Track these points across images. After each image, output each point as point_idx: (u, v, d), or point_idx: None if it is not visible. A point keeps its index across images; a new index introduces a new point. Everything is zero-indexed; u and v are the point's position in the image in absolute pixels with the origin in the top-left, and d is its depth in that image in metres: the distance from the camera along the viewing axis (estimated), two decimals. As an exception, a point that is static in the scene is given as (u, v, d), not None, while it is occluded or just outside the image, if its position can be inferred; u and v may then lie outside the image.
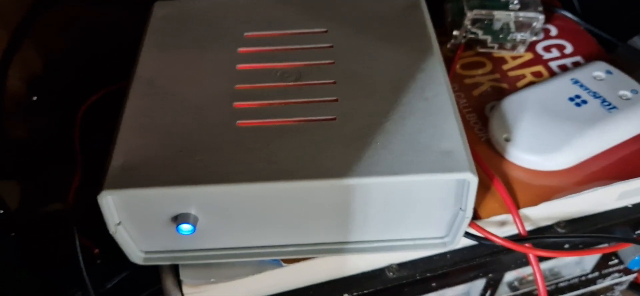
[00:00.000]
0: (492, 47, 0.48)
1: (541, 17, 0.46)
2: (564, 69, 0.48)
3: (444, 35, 0.50)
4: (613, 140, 0.42)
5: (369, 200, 0.34)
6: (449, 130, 0.34)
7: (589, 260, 0.49)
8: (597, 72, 0.45)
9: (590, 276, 0.51)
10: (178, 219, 0.34)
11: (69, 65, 0.59)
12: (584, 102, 0.43)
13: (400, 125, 0.34)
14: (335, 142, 0.34)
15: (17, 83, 0.58)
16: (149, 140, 0.34)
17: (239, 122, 0.35)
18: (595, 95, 0.43)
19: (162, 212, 0.34)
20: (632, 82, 0.44)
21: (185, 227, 0.34)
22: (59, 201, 0.51)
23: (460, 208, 0.35)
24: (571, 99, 0.43)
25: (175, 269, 0.37)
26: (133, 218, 0.34)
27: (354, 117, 0.35)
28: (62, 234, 0.44)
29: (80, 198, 0.45)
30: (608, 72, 0.45)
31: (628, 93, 0.43)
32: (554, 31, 0.51)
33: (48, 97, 0.58)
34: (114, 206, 0.33)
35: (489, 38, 0.48)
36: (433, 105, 0.35)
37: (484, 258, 0.41)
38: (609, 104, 0.42)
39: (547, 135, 0.41)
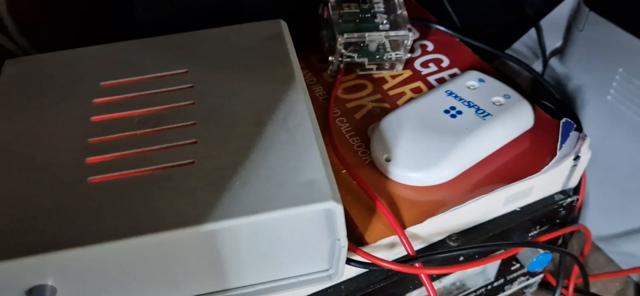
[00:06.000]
0: (371, 69, 0.48)
1: (410, 34, 0.46)
2: (442, 82, 0.48)
3: (325, 62, 0.49)
4: (491, 146, 0.42)
5: (238, 243, 0.32)
6: (311, 160, 0.32)
7: (491, 269, 0.49)
8: (470, 82, 0.45)
9: (495, 284, 0.50)
10: (33, 292, 0.31)
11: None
12: (459, 112, 0.43)
13: (262, 161, 0.33)
14: (193, 187, 0.32)
15: None
16: (-8, 210, 0.32)
17: (90, 178, 0.33)
18: (470, 105, 0.43)
19: (14, 286, 0.31)
20: (504, 87, 0.45)
21: (44, 300, 0.31)
22: None
23: (336, 238, 0.34)
24: (446, 111, 0.43)
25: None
26: (-19, 298, 0.31)
27: (214, 158, 0.33)
28: None
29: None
30: (481, 80, 0.45)
31: (501, 99, 0.44)
32: (430, 46, 0.51)
33: None
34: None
35: (365, 60, 0.48)
36: (295, 135, 0.34)
37: (379, 284, 0.40)
38: (483, 112, 0.43)
39: (426, 150, 0.41)
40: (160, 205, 0.31)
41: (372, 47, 0.47)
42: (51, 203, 0.32)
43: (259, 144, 0.34)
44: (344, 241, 0.33)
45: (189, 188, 0.32)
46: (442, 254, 0.40)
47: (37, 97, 0.38)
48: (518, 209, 0.44)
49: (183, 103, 0.37)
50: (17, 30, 0.53)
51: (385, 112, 0.46)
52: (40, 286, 0.31)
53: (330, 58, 0.47)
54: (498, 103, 0.43)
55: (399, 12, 0.47)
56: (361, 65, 0.48)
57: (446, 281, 0.47)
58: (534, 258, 0.45)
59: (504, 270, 0.49)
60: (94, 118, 0.36)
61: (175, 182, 0.32)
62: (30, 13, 0.52)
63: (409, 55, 0.48)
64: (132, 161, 0.34)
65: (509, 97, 0.44)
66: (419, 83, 0.48)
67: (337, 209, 0.31)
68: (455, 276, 0.48)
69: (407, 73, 0.49)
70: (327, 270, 0.36)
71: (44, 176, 0.33)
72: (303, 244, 0.34)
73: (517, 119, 0.43)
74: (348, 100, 0.47)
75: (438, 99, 0.44)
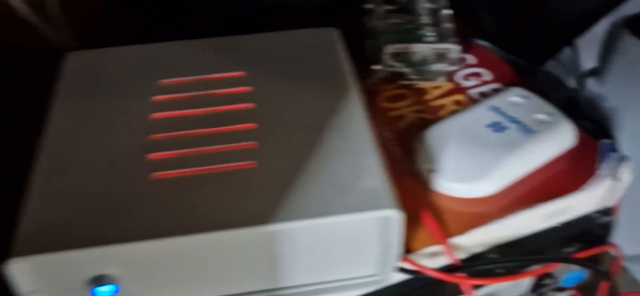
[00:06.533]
0: (414, 79, 0.49)
1: (456, 48, 0.47)
2: (483, 96, 0.49)
3: (367, 70, 0.50)
4: (534, 163, 0.43)
5: (295, 245, 0.33)
6: (370, 168, 0.33)
7: (524, 282, 0.50)
8: (514, 98, 0.46)
9: (527, 297, 0.51)
10: (96, 281, 0.32)
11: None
12: (504, 128, 0.44)
13: (322, 166, 0.34)
14: (256, 188, 0.33)
15: None
16: (60, 201, 0.33)
17: (154, 174, 0.34)
18: (513, 120, 0.44)
19: (78, 275, 0.32)
20: (547, 106, 0.45)
21: (104, 289, 0.32)
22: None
23: (389, 245, 0.34)
24: (491, 126, 0.44)
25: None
26: (47, 284, 0.32)
27: (275, 161, 0.34)
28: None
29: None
30: (524, 97, 0.46)
31: (544, 117, 0.44)
32: (472, 60, 0.52)
33: None
34: (25, 274, 0.31)
35: (409, 70, 0.48)
36: (354, 143, 0.35)
37: (416, 292, 0.41)
38: (527, 128, 0.43)
39: (471, 163, 0.42)
40: (224, 204, 0.32)
41: (417, 58, 0.48)
42: (116, 197, 0.33)
43: (319, 150, 0.35)
44: (397, 249, 0.34)
45: (252, 189, 0.33)
46: (485, 265, 0.41)
47: (98, 91, 0.39)
48: (556, 225, 0.44)
49: (242, 105, 0.38)
50: (66, 25, 0.54)
51: (427, 122, 0.46)
52: (103, 276, 0.32)
53: (374, 67, 0.48)
54: (541, 121, 0.44)
55: (445, 25, 0.48)
56: (404, 76, 0.49)
57: (480, 293, 0.48)
58: (568, 273, 0.46)
59: (538, 284, 0.50)
60: (154, 115, 0.37)
61: (238, 182, 0.33)
62: (81, 9, 0.53)
63: (452, 68, 0.49)
64: (194, 159, 0.34)
65: (552, 116, 0.45)
66: (460, 96, 0.49)
67: (397, 217, 0.32)
68: (491, 287, 0.48)
69: (449, 85, 0.50)
70: (375, 275, 0.37)
71: (109, 169, 0.34)
72: (355, 249, 0.35)
73: (560, 138, 0.44)
74: (390, 109, 0.48)
75: (483, 113, 0.45)
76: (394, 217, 0.32)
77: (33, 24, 0.54)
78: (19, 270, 0.31)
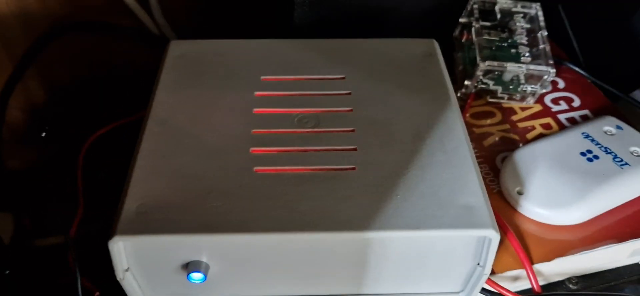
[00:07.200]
0: (502, 98, 0.49)
1: (552, 70, 0.46)
2: (572, 122, 0.48)
3: (455, 83, 0.50)
4: (625, 196, 0.42)
5: (387, 254, 0.33)
6: (470, 185, 0.33)
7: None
8: (608, 127, 0.45)
9: (596, 331, 0.50)
10: (189, 267, 0.33)
11: (72, 98, 0.59)
12: (596, 157, 0.43)
13: (421, 178, 0.34)
14: (355, 193, 0.33)
15: (17, 113, 0.57)
16: (163, 184, 0.34)
17: (256, 168, 0.34)
18: (607, 151, 0.43)
19: (173, 259, 0.33)
20: (642, 139, 0.44)
21: (197, 276, 0.33)
22: (56, 235, 0.50)
23: (479, 264, 0.34)
24: (583, 154, 0.43)
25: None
26: (142, 264, 0.33)
27: (374, 167, 0.34)
28: (60, 272, 0.43)
29: (80, 235, 0.44)
30: (618, 127, 0.45)
31: (639, 150, 0.43)
32: (561, 84, 0.51)
33: (48, 129, 0.57)
34: (125, 252, 0.32)
35: (499, 88, 0.48)
36: (453, 158, 0.35)
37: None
38: (621, 160, 0.42)
39: (561, 190, 0.41)
40: (324, 206, 0.32)
41: (507, 76, 0.48)
42: (218, 186, 0.34)
43: (417, 161, 0.35)
44: (488, 269, 0.34)
45: (351, 193, 0.33)
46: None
47: (202, 80, 0.40)
48: (637, 263, 0.43)
49: (341, 109, 0.38)
50: (163, 16, 0.55)
51: (514, 143, 0.46)
52: (197, 262, 0.33)
53: (466, 82, 0.47)
54: (636, 154, 0.43)
55: (541, 46, 0.47)
56: (493, 93, 0.48)
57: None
58: (643, 314, 0.45)
59: (610, 319, 0.48)
60: (256, 110, 0.38)
61: (338, 185, 0.33)
62: (179, 3, 0.55)
63: (543, 90, 0.48)
64: (294, 157, 0.35)
65: (647, 150, 0.43)
66: (549, 120, 0.48)
67: (494, 238, 0.32)
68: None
69: (537, 107, 0.49)
70: (458, 292, 0.37)
71: (213, 159, 0.35)
72: (444, 264, 0.35)
73: (654, 173, 0.43)
74: (476, 126, 0.48)
75: (574, 140, 0.44)
76: (492, 238, 0.32)
77: (131, 7, 0.55)
78: (121, 248, 0.32)
